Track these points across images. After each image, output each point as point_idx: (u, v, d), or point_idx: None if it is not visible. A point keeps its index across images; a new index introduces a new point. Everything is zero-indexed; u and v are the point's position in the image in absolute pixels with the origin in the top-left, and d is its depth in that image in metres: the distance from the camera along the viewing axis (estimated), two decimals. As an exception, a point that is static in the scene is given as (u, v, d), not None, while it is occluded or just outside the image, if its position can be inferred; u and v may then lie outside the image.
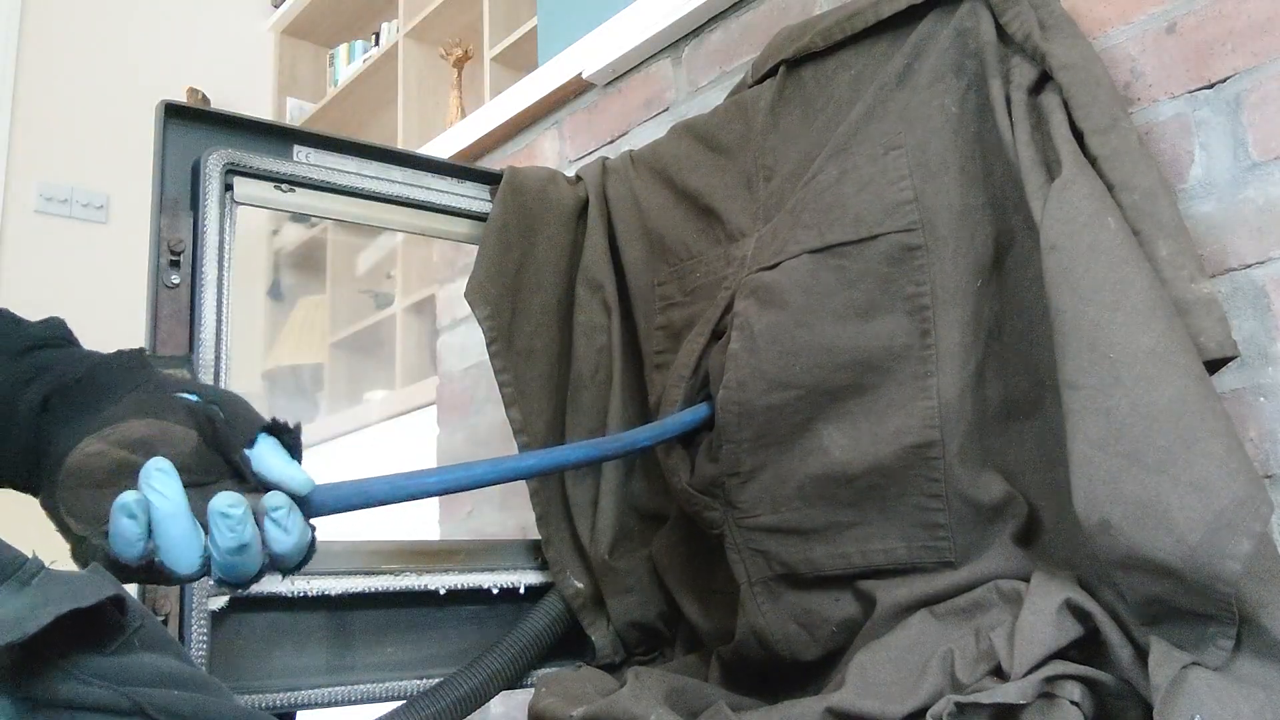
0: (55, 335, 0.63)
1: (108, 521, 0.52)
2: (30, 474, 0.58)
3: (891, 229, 0.81)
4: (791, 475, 0.84)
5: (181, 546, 0.52)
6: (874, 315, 0.82)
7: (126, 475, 0.53)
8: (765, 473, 0.86)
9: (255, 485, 0.55)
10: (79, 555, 0.54)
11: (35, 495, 0.58)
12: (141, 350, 0.61)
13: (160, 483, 0.52)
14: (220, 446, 0.55)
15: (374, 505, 0.62)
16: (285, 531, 0.54)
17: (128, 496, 0.51)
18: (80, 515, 0.53)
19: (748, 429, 0.86)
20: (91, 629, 0.47)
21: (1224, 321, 0.66)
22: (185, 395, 0.58)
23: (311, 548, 0.57)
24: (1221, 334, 0.66)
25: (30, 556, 0.48)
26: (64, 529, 0.54)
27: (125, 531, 0.51)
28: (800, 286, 0.84)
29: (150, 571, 0.53)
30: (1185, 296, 0.66)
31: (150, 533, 0.52)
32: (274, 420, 0.58)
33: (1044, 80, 0.76)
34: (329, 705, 0.91)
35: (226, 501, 0.52)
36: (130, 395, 0.56)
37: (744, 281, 0.90)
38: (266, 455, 0.56)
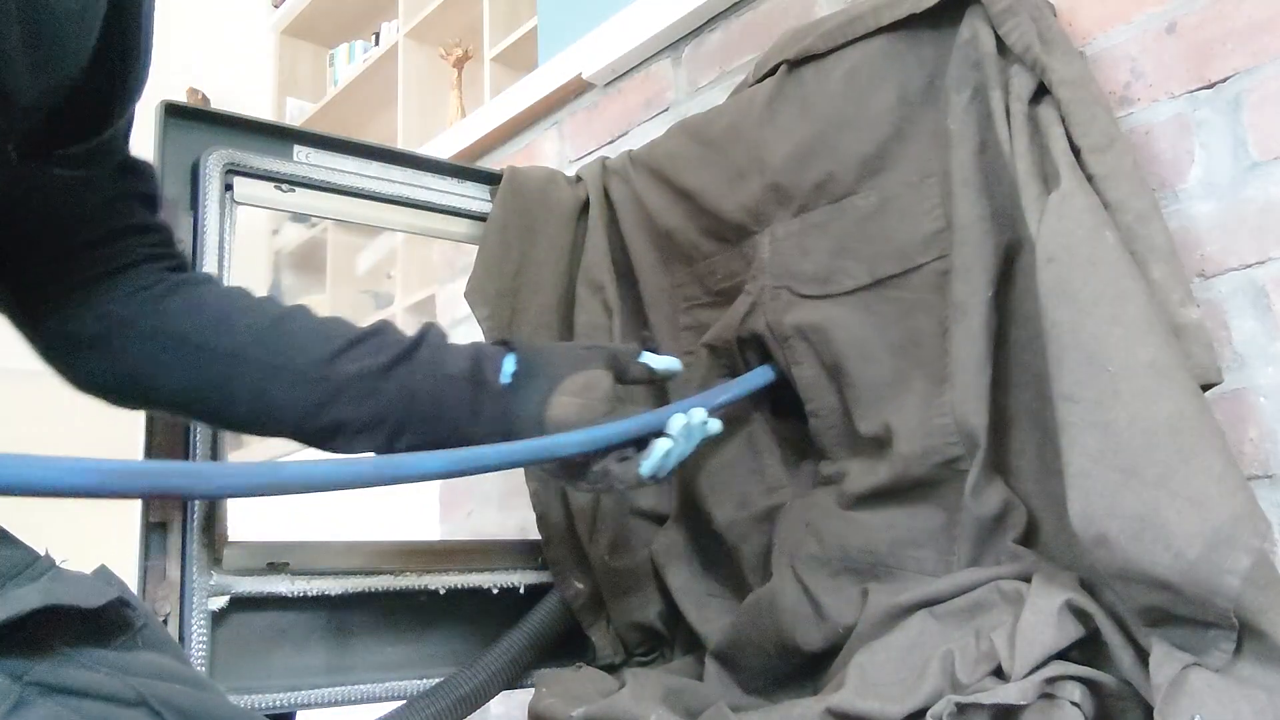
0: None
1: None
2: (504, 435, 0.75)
3: (930, 258, 0.83)
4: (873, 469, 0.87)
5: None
6: (924, 338, 0.83)
7: (589, 413, 0.75)
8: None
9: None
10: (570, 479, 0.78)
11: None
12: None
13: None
14: (622, 368, 0.80)
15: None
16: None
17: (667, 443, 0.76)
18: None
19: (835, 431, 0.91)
20: (98, 625, 0.49)
21: (1210, 349, 0.67)
22: (582, 348, 0.81)
23: None
24: (1208, 360, 0.67)
25: (42, 555, 0.51)
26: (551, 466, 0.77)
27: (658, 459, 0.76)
28: (859, 322, 0.86)
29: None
30: (1175, 321, 0.67)
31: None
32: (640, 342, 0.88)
33: (1041, 93, 0.76)
34: (329, 705, 0.91)
35: (701, 417, 0.79)
36: (557, 358, 0.78)
37: (777, 306, 0.91)
38: (652, 360, 0.84)
